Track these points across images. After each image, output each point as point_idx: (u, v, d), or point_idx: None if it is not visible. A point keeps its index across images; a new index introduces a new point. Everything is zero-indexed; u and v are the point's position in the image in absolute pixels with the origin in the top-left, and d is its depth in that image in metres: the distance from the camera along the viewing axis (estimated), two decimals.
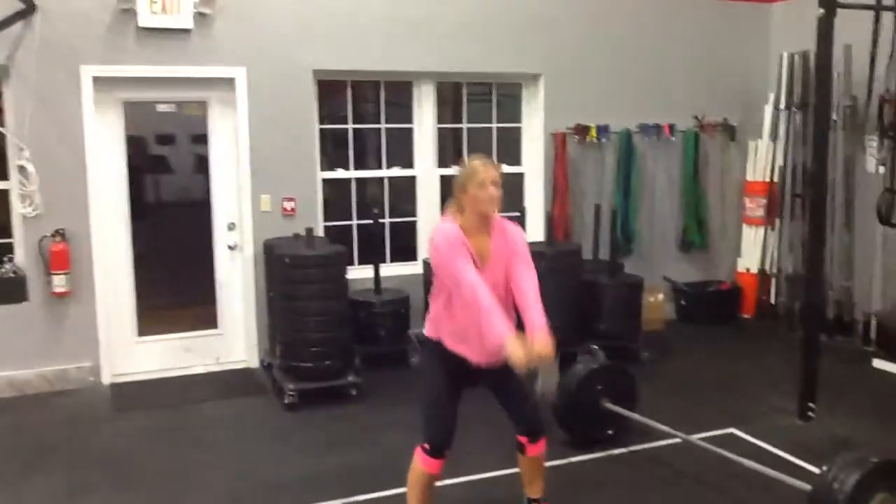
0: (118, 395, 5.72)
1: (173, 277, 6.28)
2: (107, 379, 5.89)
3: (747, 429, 4.87)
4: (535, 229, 6.97)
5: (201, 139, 6.14)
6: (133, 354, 6.03)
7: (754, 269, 7.52)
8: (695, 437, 4.43)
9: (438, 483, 3.53)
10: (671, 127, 7.26)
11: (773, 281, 7.39)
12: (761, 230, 7.48)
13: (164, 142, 6.31)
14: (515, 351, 3.02)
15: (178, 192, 6.40)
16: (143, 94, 5.91)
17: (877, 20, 5.53)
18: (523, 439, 3.55)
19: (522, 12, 6.68)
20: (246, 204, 6.10)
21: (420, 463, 3.40)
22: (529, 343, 3.06)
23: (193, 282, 6.30)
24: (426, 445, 3.37)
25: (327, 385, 5.44)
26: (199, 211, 6.18)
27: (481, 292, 3.12)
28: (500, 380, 3.42)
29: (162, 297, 6.25)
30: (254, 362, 6.24)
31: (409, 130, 6.80)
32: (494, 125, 7.04)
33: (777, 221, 7.33)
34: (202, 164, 6.18)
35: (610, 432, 4.66)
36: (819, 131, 5.01)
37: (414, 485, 3.44)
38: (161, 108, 6.08)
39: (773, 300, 7.38)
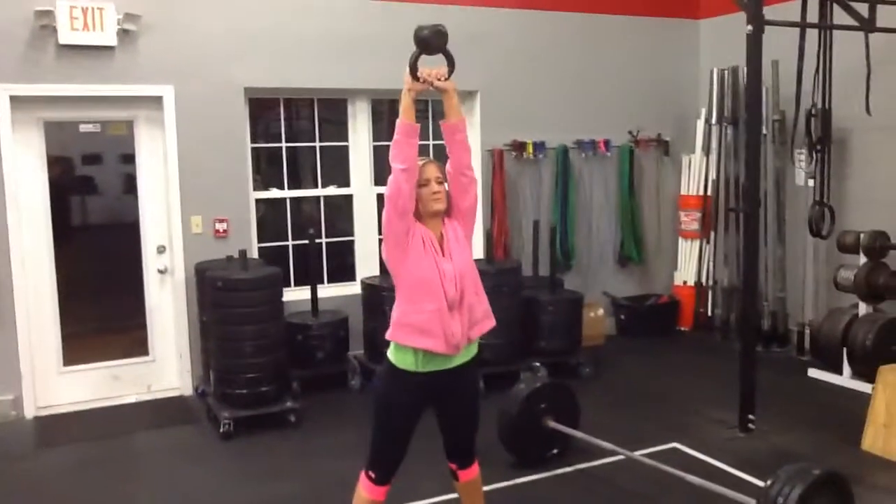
0: (43, 428, 5.44)
1: (101, 303, 6.01)
2: (30, 412, 5.60)
3: (690, 442, 4.88)
4: (475, 246, 6.92)
5: (129, 159, 5.93)
6: (58, 385, 5.75)
7: (691, 282, 7.61)
8: (638, 454, 4.40)
9: None
10: (606, 142, 7.31)
11: (710, 293, 7.49)
12: (697, 243, 7.58)
13: (90, 162, 6.05)
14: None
15: (105, 214, 6.14)
16: (65, 114, 5.67)
17: (802, 36, 5.65)
18: (453, 466, 3.46)
19: (458, 29, 6.53)
20: (176, 225, 5.90)
21: (364, 490, 3.28)
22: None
23: (122, 307, 6.05)
24: (371, 474, 3.26)
25: (264, 412, 5.26)
26: (127, 233, 5.95)
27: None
28: (457, 402, 3.32)
29: (88, 324, 5.97)
30: (187, 390, 6.02)
31: (345, 148, 6.70)
32: (431, 142, 6.98)
33: (712, 234, 7.43)
34: (130, 185, 5.96)
35: (555, 451, 4.62)
36: (751, 146, 5.09)
37: None
38: (84, 127, 5.83)
39: (709, 312, 7.47)
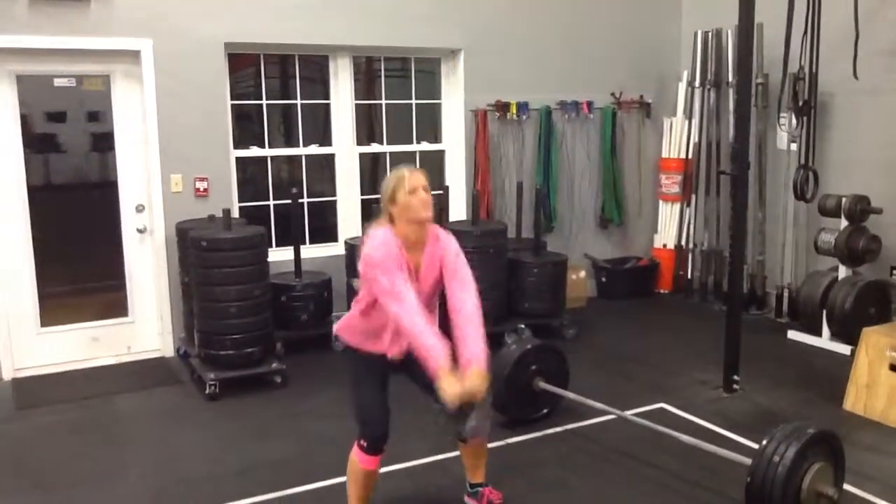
0: (20, 390, 5.33)
1: (78, 263, 5.86)
2: (7, 374, 5.50)
3: (676, 403, 4.93)
4: (458, 208, 6.89)
5: (106, 116, 5.75)
6: (35, 347, 5.63)
7: (671, 245, 7.65)
8: (629, 413, 4.43)
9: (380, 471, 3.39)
10: (589, 104, 7.28)
11: (690, 256, 7.54)
12: (677, 206, 7.61)
13: (66, 119, 5.85)
14: (449, 387, 2.88)
15: (82, 173, 5.96)
16: (38, 67, 5.47)
17: (791, 0, 5.65)
18: None
19: None
20: (155, 184, 5.76)
21: (358, 460, 3.28)
22: (462, 378, 2.93)
23: (100, 268, 5.92)
24: (363, 443, 3.25)
25: (250, 373, 5.22)
26: (105, 192, 5.80)
27: (418, 320, 2.98)
28: (421, 370, 3.26)
29: (66, 285, 5.83)
30: (168, 351, 5.93)
31: (326, 107, 6.58)
32: (413, 101, 6.89)
33: (692, 197, 7.46)
34: (108, 143, 5.78)
35: (545, 411, 4.64)
36: (740, 108, 5.07)
37: (354, 480, 3.34)
38: (59, 82, 5.63)
39: (689, 275, 7.53)
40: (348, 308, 5.94)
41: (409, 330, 2.99)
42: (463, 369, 2.98)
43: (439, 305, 3.36)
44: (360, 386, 3.31)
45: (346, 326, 3.32)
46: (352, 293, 6.02)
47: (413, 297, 3.02)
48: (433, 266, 3.24)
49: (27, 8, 5.27)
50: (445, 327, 3.14)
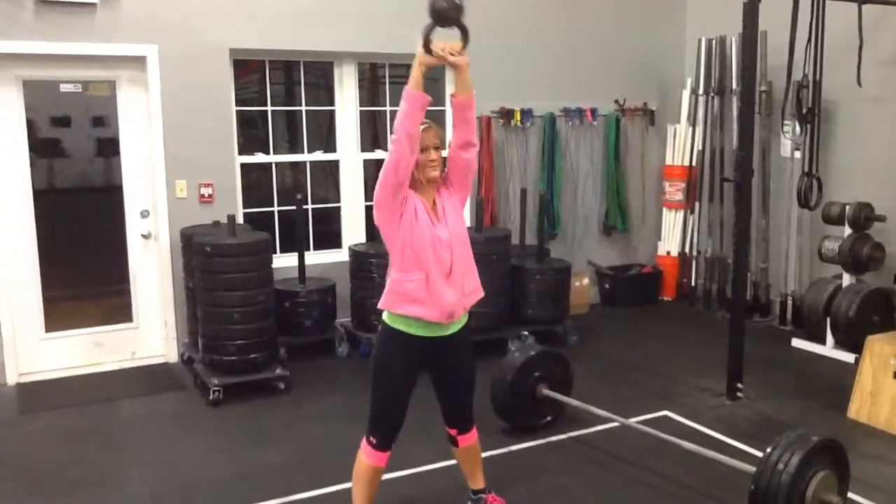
0: (24, 395, 5.34)
1: (83, 269, 5.88)
2: (12, 379, 5.51)
3: (679, 410, 4.93)
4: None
5: (111, 121, 5.77)
6: (40, 352, 5.64)
7: (674, 252, 7.65)
8: (632, 421, 4.43)
9: (383, 477, 3.39)
10: (593, 111, 7.29)
11: (693, 263, 7.53)
12: (681, 213, 7.61)
13: (72, 124, 5.86)
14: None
15: (86, 178, 5.97)
16: (45, 73, 5.49)
17: (795, 6, 5.64)
18: (453, 431, 3.49)
19: None
20: (160, 190, 5.77)
21: (366, 456, 3.28)
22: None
23: (105, 273, 5.93)
24: (373, 439, 3.25)
25: (253, 379, 5.22)
26: (110, 197, 5.81)
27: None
28: (452, 367, 3.35)
29: (71, 290, 5.85)
30: (172, 357, 5.94)
31: (331, 113, 6.59)
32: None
33: (696, 205, 7.46)
34: (113, 148, 5.80)
35: (548, 418, 4.63)
36: (745, 115, 5.09)
37: (360, 478, 3.32)
38: (65, 87, 5.65)
39: (692, 282, 7.52)
40: (352, 312, 6.06)
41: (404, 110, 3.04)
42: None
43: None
44: (385, 382, 3.25)
45: (389, 290, 3.18)
46: (356, 300, 6.06)
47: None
48: (453, 203, 3.24)
49: (34, 14, 5.29)
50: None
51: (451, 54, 3.03)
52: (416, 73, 3.03)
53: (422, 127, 3.14)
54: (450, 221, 3.20)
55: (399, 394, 3.25)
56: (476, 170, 3.32)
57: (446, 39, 3.03)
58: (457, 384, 3.41)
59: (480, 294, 3.35)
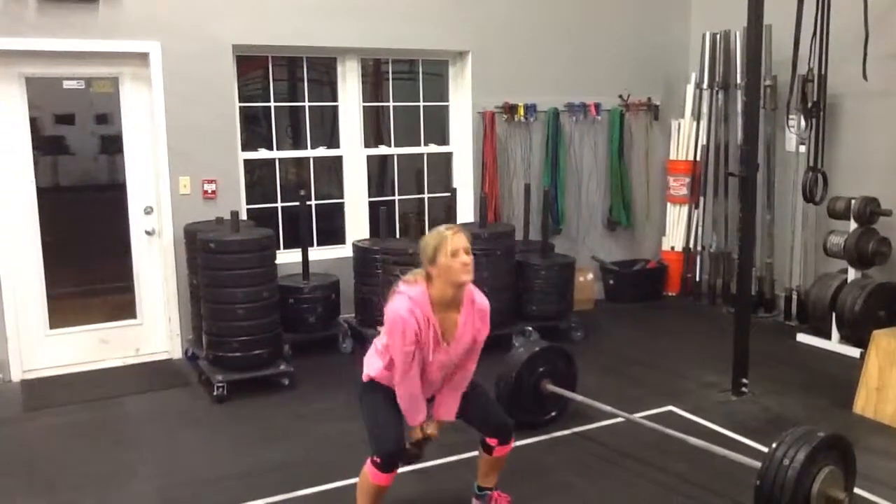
0: (29, 392, 5.34)
1: (87, 265, 5.86)
2: (16, 375, 5.52)
3: (684, 406, 4.91)
4: (466, 210, 6.88)
5: (115, 118, 5.76)
6: (44, 348, 5.64)
7: (679, 248, 7.63)
8: (637, 416, 4.42)
9: None
10: (597, 106, 7.26)
11: (698, 259, 7.51)
12: (685, 209, 7.58)
13: (76, 121, 5.86)
14: (414, 434, 3.30)
15: (90, 175, 5.96)
16: (48, 70, 5.49)
17: (801, 1, 5.62)
18: (493, 441, 3.49)
19: None
20: (164, 186, 5.77)
21: (371, 476, 3.25)
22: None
23: (109, 269, 5.93)
24: (377, 459, 3.23)
25: (257, 375, 5.22)
26: (113, 194, 5.81)
27: (414, 395, 3.23)
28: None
29: (75, 287, 5.85)
30: (176, 353, 5.94)
31: (334, 109, 6.58)
32: (421, 103, 6.89)
33: (701, 200, 7.43)
34: (117, 145, 5.80)
35: (553, 414, 4.62)
36: (750, 110, 5.06)
37: (363, 493, 3.30)
38: (68, 84, 5.64)
39: (697, 277, 7.50)
40: (356, 308, 6.06)
41: (402, 400, 3.23)
42: (434, 417, 3.36)
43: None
44: (377, 403, 3.29)
45: (374, 376, 3.32)
46: (360, 296, 6.06)
47: (416, 371, 3.18)
48: (468, 328, 3.24)
49: (36, 11, 5.28)
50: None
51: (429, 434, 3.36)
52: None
53: (449, 232, 3.13)
54: (458, 340, 3.23)
55: (387, 409, 3.28)
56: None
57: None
58: (467, 397, 3.42)
59: (466, 383, 3.42)
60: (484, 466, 3.59)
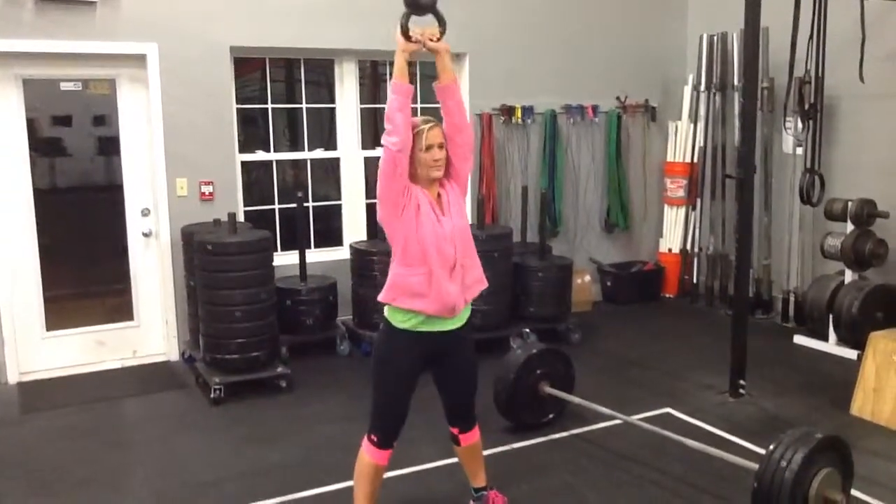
0: (26, 394, 5.34)
1: (84, 267, 5.87)
2: (13, 378, 5.51)
3: (682, 408, 4.92)
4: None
5: (112, 120, 5.76)
6: (41, 350, 5.63)
7: (676, 249, 7.63)
8: (635, 418, 4.42)
9: (385, 475, 3.38)
10: (594, 108, 7.27)
11: (695, 260, 7.52)
12: (682, 210, 7.59)
13: (72, 123, 5.85)
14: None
15: (87, 177, 5.95)
16: (45, 71, 5.48)
17: (797, 2, 5.63)
18: (455, 430, 3.48)
19: None
20: (161, 188, 5.76)
21: (367, 454, 3.26)
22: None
23: (106, 271, 5.93)
24: (374, 437, 3.23)
25: (255, 377, 5.21)
26: (110, 196, 5.80)
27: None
28: (454, 364, 3.32)
29: (71, 289, 5.84)
30: (173, 355, 5.93)
31: (332, 111, 6.58)
32: (419, 105, 6.88)
33: (698, 202, 7.44)
34: (113, 147, 5.79)
35: (551, 416, 4.62)
36: (747, 112, 5.06)
37: (361, 476, 3.30)
38: (65, 86, 5.64)
39: (694, 279, 7.50)
40: (354, 310, 6.05)
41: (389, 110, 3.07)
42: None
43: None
44: (386, 379, 3.23)
45: (391, 283, 3.16)
46: (357, 298, 6.05)
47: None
48: (456, 195, 3.22)
49: (33, 12, 5.28)
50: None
51: (430, 39, 3.07)
52: (399, 62, 3.06)
53: (426, 125, 3.14)
54: (454, 214, 3.19)
55: (400, 391, 3.24)
56: (473, 144, 3.27)
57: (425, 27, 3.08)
58: (458, 382, 3.40)
59: (483, 285, 3.33)
60: (464, 462, 3.58)
